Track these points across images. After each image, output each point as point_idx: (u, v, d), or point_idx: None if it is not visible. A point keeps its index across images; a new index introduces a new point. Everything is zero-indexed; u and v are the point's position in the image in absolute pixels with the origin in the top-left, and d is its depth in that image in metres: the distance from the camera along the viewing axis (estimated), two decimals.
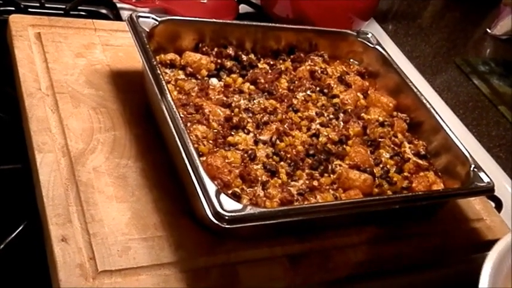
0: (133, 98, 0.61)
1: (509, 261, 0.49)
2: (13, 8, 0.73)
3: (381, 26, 1.09)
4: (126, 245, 0.48)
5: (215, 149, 0.55)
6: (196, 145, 0.53)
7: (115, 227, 0.48)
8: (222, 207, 0.44)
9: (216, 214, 0.44)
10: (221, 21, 0.67)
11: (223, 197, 0.45)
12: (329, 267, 0.54)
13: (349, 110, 0.66)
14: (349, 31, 0.74)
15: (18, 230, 0.49)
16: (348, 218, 0.54)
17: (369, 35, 0.74)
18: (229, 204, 0.45)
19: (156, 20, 0.60)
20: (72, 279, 0.44)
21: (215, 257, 0.49)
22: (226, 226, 0.44)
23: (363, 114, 0.67)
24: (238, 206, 0.45)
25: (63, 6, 0.77)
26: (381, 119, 0.66)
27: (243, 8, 0.94)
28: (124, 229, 0.49)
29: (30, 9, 0.74)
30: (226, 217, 0.44)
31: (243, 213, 0.45)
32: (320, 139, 0.60)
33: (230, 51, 0.66)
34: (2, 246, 0.48)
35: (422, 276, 0.61)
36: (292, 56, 0.71)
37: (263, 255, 0.51)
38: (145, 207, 0.51)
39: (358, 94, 0.70)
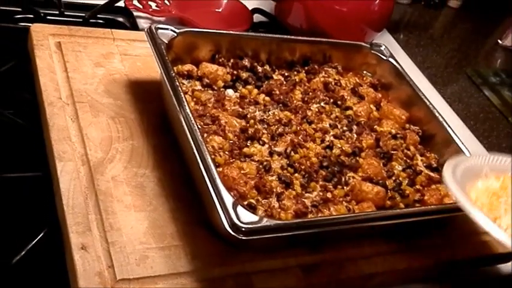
0: (151, 107, 0.62)
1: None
2: (32, 16, 0.75)
3: (392, 36, 1.10)
4: (144, 254, 0.49)
5: (231, 160, 0.56)
6: (212, 156, 0.54)
7: (133, 236, 0.50)
8: (239, 219, 0.45)
9: (233, 225, 0.45)
10: (237, 33, 0.68)
11: (240, 208, 0.46)
12: (341, 278, 0.54)
13: (362, 122, 0.67)
14: (362, 43, 0.75)
15: (39, 237, 0.50)
16: (361, 230, 0.55)
17: (382, 48, 0.75)
18: (246, 216, 0.46)
19: (175, 32, 0.61)
20: (92, 287, 0.45)
21: (230, 267, 0.50)
22: (243, 238, 0.45)
23: (375, 127, 0.67)
24: (255, 218, 0.46)
25: (82, 15, 0.78)
26: (393, 131, 0.67)
27: (257, 17, 0.95)
28: (142, 238, 0.50)
29: (49, 17, 0.76)
30: (243, 229, 0.45)
31: (259, 225, 0.46)
32: (334, 151, 0.61)
33: (246, 62, 0.67)
34: (23, 253, 0.49)
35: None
36: (306, 68, 0.72)
37: (277, 266, 0.52)
38: (162, 217, 0.52)
39: (371, 106, 0.71)
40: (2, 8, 0.76)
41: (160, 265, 0.48)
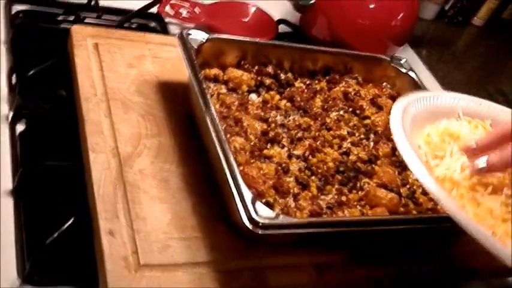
0: (178, 108, 0.66)
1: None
2: (72, 18, 0.79)
3: (414, 52, 1.12)
4: (166, 243, 0.52)
5: (251, 160, 0.59)
6: (234, 155, 0.57)
7: (157, 226, 0.53)
8: (257, 214, 0.48)
9: (251, 220, 0.48)
10: (263, 41, 0.72)
11: (258, 204, 0.49)
12: (351, 279, 0.57)
13: (380, 132, 0.69)
14: (383, 56, 0.78)
15: (70, 222, 0.54)
16: (373, 234, 0.57)
17: (403, 61, 0.78)
18: (264, 212, 0.49)
19: (204, 38, 0.65)
20: (117, 270, 0.48)
21: (246, 260, 0.53)
22: (260, 232, 0.48)
23: (392, 136, 0.70)
24: (272, 214, 0.49)
25: (117, 19, 0.83)
26: None
27: (283, 28, 0.99)
28: (165, 228, 0.53)
29: (88, 20, 0.80)
30: (261, 224, 0.48)
31: (275, 221, 0.49)
32: (350, 157, 0.64)
33: (270, 69, 0.70)
34: (55, 235, 0.52)
35: None
36: (327, 77, 0.75)
37: (291, 263, 0.55)
38: (185, 210, 0.56)
39: (389, 117, 0.73)
40: (45, 10, 0.81)
41: (180, 254, 0.52)
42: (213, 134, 0.55)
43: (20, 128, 0.64)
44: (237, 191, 0.50)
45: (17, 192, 0.57)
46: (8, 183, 0.58)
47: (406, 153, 0.50)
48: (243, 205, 0.49)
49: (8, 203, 0.56)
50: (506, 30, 1.31)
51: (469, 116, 0.61)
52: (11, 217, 0.55)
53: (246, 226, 0.48)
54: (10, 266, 0.52)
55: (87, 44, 0.68)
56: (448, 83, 1.08)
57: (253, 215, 0.48)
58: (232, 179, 0.51)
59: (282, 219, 0.49)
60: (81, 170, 0.58)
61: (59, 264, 0.52)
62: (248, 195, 0.50)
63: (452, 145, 0.55)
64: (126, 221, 0.52)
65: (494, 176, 0.53)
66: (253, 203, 0.49)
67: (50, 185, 0.58)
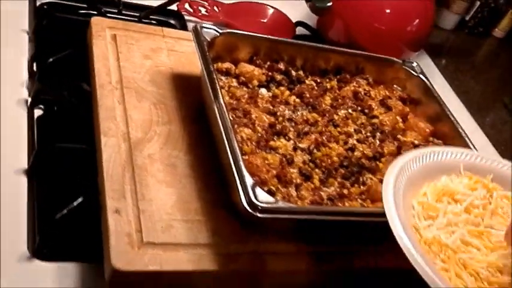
0: (190, 99, 0.68)
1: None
2: (95, 12, 0.82)
3: (432, 60, 1.13)
4: (169, 224, 0.54)
5: (257, 151, 0.61)
6: (240, 145, 0.59)
7: (161, 207, 0.55)
8: (256, 198, 0.50)
9: (251, 203, 0.50)
10: (276, 38, 0.73)
11: (258, 190, 0.51)
12: (351, 268, 0.58)
13: (387, 131, 0.70)
14: (395, 59, 0.79)
15: (79, 200, 0.56)
16: (372, 226, 0.58)
17: (414, 64, 0.79)
18: (263, 197, 0.50)
19: (218, 32, 0.67)
20: (121, 246, 0.50)
21: (246, 245, 0.55)
22: (259, 215, 0.50)
23: (399, 136, 0.71)
24: (271, 199, 0.51)
25: (138, 14, 0.86)
26: (416, 142, 0.70)
27: (300, 30, 1.01)
28: (169, 210, 0.55)
29: (109, 14, 0.83)
30: (259, 207, 0.50)
31: (274, 205, 0.50)
32: (355, 153, 0.65)
33: (281, 66, 0.72)
34: (65, 211, 0.55)
35: None
36: (338, 77, 0.76)
37: (290, 250, 0.56)
38: (190, 194, 0.57)
39: (398, 118, 0.74)
40: (69, 3, 0.84)
41: (182, 235, 0.53)
42: (220, 122, 0.56)
43: (37, 112, 0.67)
44: (238, 176, 0.52)
45: (31, 172, 0.60)
46: (23, 164, 0.61)
47: (389, 214, 0.49)
48: (243, 189, 0.51)
49: (23, 182, 0.59)
50: None
51: (471, 171, 0.60)
52: (24, 195, 0.58)
53: (246, 209, 0.50)
54: (21, 240, 0.54)
55: (105, 34, 0.71)
56: (464, 92, 1.08)
57: (253, 199, 0.50)
58: (235, 164, 0.52)
59: (281, 204, 0.51)
60: (93, 153, 0.60)
61: (67, 240, 0.55)
62: (249, 180, 0.51)
63: (446, 205, 0.54)
64: (133, 201, 0.54)
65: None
66: (254, 188, 0.51)
67: (62, 166, 0.61)
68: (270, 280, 0.55)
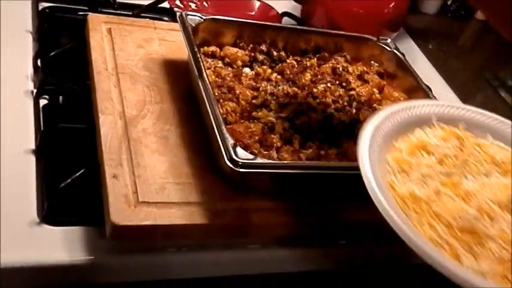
0: (180, 81, 0.74)
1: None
2: (92, 13, 0.89)
3: (416, 44, 1.18)
4: (163, 186, 0.60)
5: (241, 121, 0.67)
6: (225, 116, 0.65)
7: (155, 172, 0.61)
8: (237, 155, 0.56)
9: (232, 160, 0.56)
10: (257, 22, 0.80)
11: (239, 149, 0.57)
12: (332, 221, 0.64)
13: (363, 101, 0.76)
14: (370, 36, 0.85)
15: (81, 171, 0.62)
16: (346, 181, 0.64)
17: (388, 41, 0.84)
18: (243, 154, 0.57)
19: (202, 18, 0.74)
20: (119, 205, 0.56)
21: (231, 202, 0.60)
22: (240, 170, 0.56)
23: (375, 105, 0.76)
24: (250, 156, 0.57)
25: (130, 13, 0.92)
26: None
27: (287, 20, 1.07)
28: (162, 175, 0.61)
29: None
30: (240, 163, 0.56)
31: (253, 161, 0.56)
32: (333, 120, 0.71)
33: (263, 47, 0.78)
34: (68, 180, 0.61)
35: None
36: (318, 55, 0.82)
37: (270, 206, 0.61)
38: (181, 161, 0.63)
39: (374, 89, 0.80)
40: (69, 6, 0.91)
41: (175, 195, 0.59)
42: (204, 95, 0.63)
43: (42, 102, 0.74)
44: (220, 138, 0.58)
45: (38, 150, 0.66)
46: (31, 145, 0.67)
47: (363, 171, 0.51)
48: (225, 149, 0.57)
49: (31, 159, 0.65)
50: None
51: (444, 122, 0.62)
52: (33, 171, 0.64)
53: (228, 166, 0.56)
54: (31, 209, 0.60)
55: (101, 28, 0.78)
56: (446, 70, 1.13)
57: (233, 156, 0.56)
58: (217, 128, 0.59)
59: (259, 160, 0.57)
60: (93, 132, 0.66)
61: (72, 207, 0.61)
62: (230, 141, 0.57)
63: (419, 158, 0.56)
64: (129, 168, 0.60)
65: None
66: (234, 148, 0.57)
67: (66, 144, 0.67)
68: (255, 232, 0.60)
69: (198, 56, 0.67)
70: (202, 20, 0.73)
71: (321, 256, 0.65)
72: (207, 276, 0.63)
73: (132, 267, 0.60)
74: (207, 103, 0.62)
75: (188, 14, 0.73)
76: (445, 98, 0.79)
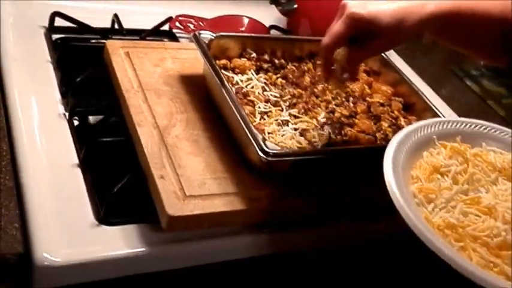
0: (198, 92, 0.84)
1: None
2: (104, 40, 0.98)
3: None
4: (203, 182, 0.69)
5: (260, 121, 0.77)
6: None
7: (194, 171, 0.70)
8: (267, 147, 0.66)
9: (263, 151, 0.66)
10: (258, 35, 0.91)
11: (267, 142, 0.67)
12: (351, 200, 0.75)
13: (357, 95, 0.88)
14: None
15: (127, 177, 0.71)
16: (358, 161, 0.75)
17: None
18: (271, 146, 0.67)
19: (213, 35, 0.84)
20: (171, 200, 0.66)
21: (263, 191, 0.71)
22: (271, 159, 0.66)
23: (367, 98, 0.88)
24: (277, 147, 0.67)
25: (137, 37, 1.02)
26: (381, 101, 0.88)
27: (274, 32, 1.18)
28: (200, 172, 0.71)
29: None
30: (271, 153, 0.66)
31: (281, 151, 0.67)
32: (335, 114, 0.82)
33: (266, 57, 0.89)
34: (119, 185, 0.70)
35: None
36: (312, 60, 0.93)
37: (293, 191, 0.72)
38: (214, 160, 0.73)
39: (365, 85, 0.91)
40: (78, 36, 1.00)
41: (214, 188, 0.69)
42: (229, 100, 0.73)
43: (75, 122, 0.82)
44: (250, 134, 0.68)
45: (83, 163, 0.75)
46: (75, 160, 0.75)
47: (404, 215, 0.50)
48: (256, 142, 0.67)
49: (78, 173, 0.74)
50: None
51: (443, 139, 0.64)
52: (82, 183, 0.73)
53: (260, 156, 0.66)
54: (88, 213, 0.69)
55: (120, 52, 0.87)
56: (416, 66, 1.26)
57: (264, 147, 0.66)
58: (246, 126, 0.69)
59: (286, 150, 0.67)
60: (129, 143, 0.75)
61: (124, 208, 0.70)
62: (259, 136, 0.68)
63: (439, 182, 0.57)
64: (171, 169, 0.70)
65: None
66: (264, 141, 0.67)
67: (106, 155, 0.76)
68: (283, 213, 0.71)
69: (217, 68, 0.77)
70: (213, 37, 0.84)
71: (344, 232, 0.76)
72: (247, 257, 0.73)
73: (181, 255, 0.69)
74: (233, 106, 0.72)
75: (201, 33, 0.83)
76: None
